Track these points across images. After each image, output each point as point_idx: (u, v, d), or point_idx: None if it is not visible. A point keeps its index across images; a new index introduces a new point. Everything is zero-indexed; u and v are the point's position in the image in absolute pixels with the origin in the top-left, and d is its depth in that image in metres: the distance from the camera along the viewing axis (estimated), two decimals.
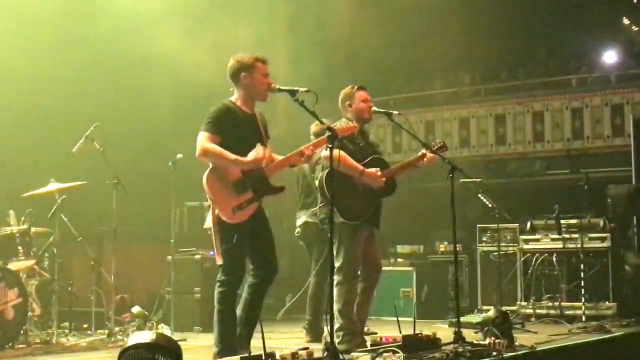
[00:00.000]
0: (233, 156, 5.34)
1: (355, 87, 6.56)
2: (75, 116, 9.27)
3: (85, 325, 8.24)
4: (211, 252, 9.09)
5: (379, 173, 6.28)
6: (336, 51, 13.66)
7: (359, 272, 6.39)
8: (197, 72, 10.28)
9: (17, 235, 7.46)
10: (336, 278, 6.11)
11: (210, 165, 5.39)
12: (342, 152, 5.77)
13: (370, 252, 6.47)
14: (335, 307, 6.04)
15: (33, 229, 7.73)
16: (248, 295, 5.46)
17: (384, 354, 5.07)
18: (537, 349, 6.20)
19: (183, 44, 10.30)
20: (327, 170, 6.05)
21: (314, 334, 7.77)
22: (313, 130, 7.95)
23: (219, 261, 5.49)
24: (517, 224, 10.56)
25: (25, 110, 9.59)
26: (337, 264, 6.13)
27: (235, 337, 5.32)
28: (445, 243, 11.08)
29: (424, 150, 6.55)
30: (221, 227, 5.37)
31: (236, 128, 5.43)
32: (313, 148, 5.58)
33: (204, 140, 5.35)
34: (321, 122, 5.18)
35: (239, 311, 5.46)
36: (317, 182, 6.29)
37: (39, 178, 7.94)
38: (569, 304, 9.72)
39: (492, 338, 5.81)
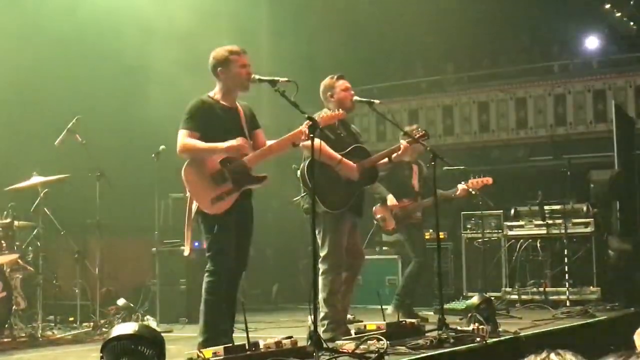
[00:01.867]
0: (206, 145, 5.35)
1: (335, 77, 6.55)
2: (57, 109, 9.24)
3: (70, 318, 8.23)
4: (196, 244, 9.10)
5: (357, 169, 6.30)
6: (319, 41, 13.65)
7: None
8: (179, 64, 10.28)
9: (0, 229, 7.42)
10: (321, 267, 6.14)
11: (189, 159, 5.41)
12: (321, 142, 5.76)
13: (353, 241, 6.49)
14: (320, 296, 6.07)
15: (16, 223, 7.70)
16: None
17: (368, 342, 5.09)
18: (521, 334, 6.24)
19: (167, 35, 10.29)
20: (308, 160, 6.06)
21: (404, 312, 7.86)
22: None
23: (186, 252, 5.59)
24: (501, 211, 10.62)
25: (6, 103, 9.53)
26: (322, 254, 6.17)
27: (221, 328, 5.34)
28: (430, 231, 11.11)
29: (402, 141, 6.57)
30: (204, 219, 5.39)
31: (213, 121, 5.44)
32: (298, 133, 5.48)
33: (182, 137, 5.40)
34: (302, 112, 5.18)
35: None
36: (299, 173, 6.29)
37: (22, 171, 7.90)
38: (554, 289, 9.79)
39: (476, 324, 5.85)
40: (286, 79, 5.25)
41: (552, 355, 2.02)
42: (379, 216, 8.36)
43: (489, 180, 8.77)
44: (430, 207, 8.61)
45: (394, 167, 8.22)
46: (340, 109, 6.41)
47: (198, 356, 4.32)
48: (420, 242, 8.58)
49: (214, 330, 5.27)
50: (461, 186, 8.60)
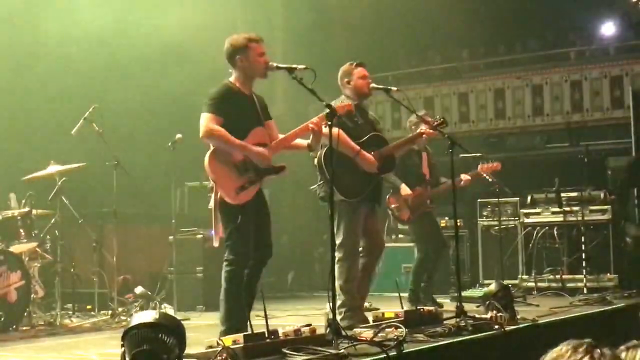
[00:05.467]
0: (238, 141, 5.33)
1: (354, 64, 6.54)
2: (74, 98, 9.27)
3: (88, 307, 8.27)
4: (212, 232, 9.11)
5: (375, 157, 6.28)
6: (334, 28, 13.61)
7: (360, 249, 6.41)
8: (195, 52, 10.28)
9: (19, 218, 7.46)
10: (337, 255, 6.13)
11: (212, 147, 5.38)
12: (340, 131, 5.76)
13: (372, 228, 6.49)
14: (337, 283, 6.06)
15: (34, 212, 7.73)
16: (245, 276, 5.48)
17: (386, 330, 5.08)
18: (539, 322, 6.23)
19: (181, 23, 10.28)
20: (325, 148, 6.06)
21: (414, 304, 7.91)
22: (411, 120, 8.19)
23: (216, 243, 5.54)
24: (518, 198, 10.58)
25: (23, 93, 9.57)
26: (337, 241, 6.15)
27: (241, 316, 5.34)
28: (446, 218, 11.08)
29: (422, 128, 6.55)
30: (225, 209, 5.37)
31: (237, 109, 5.43)
32: (318, 121, 5.50)
33: (208, 121, 5.32)
34: (320, 100, 5.17)
35: None
36: (316, 160, 6.29)
37: (39, 161, 7.93)
38: (570, 276, 9.76)
39: (494, 312, 5.83)
40: (304, 66, 5.24)
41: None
42: (393, 206, 8.35)
43: (498, 165, 8.77)
44: (443, 192, 8.63)
45: (404, 156, 8.22)
46: (356, 96, 6.42)
47: (218, 344, 4.32)
48: (433, 229, 8.55)
49: (235, 319, 5.27)
50: (464, 176, 8.57)
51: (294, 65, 5.26)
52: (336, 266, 6.09)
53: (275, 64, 5.43)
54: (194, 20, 10.45)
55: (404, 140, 6.79)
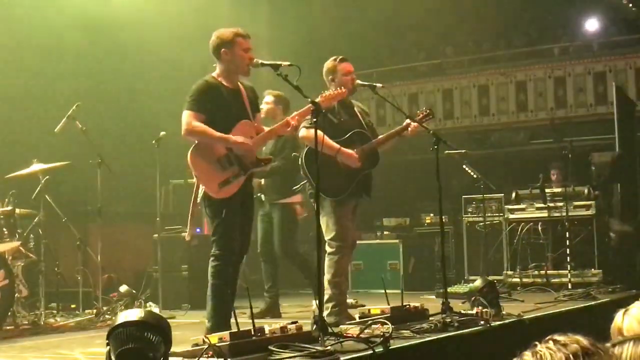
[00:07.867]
0: (218, 134, 5.33)
1: (337, 59, 6.50)
2: (57, 96, 9.21)
3: (73, 306, 8.21)
4: (198, 229, 9.10)
5: (356, 154, 6.27)
6: (319, 24, 13.59)
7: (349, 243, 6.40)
8: (179, 49, 10.24)
9: (2, 217, 7.39)
10: (328, 249, 6.18)
11: (194, 143, 5.38)
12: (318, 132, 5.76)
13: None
14: (326, 277, 6.08)
15: (17, 210, 7.66)
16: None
17: (373, 326, 5.08)
18: (525, 317, 6.25)
19: (164, 20, 10.24)
20: (307, 148, 6.08)
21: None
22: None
23: (188, 237, 5.71)
24: (502, 194, 10.59)
25: (5, 91, 9.49)
26: (329, 237, 6.18)
27: (229, 312, 5.32)
28: (431, 215, 11.10)
29: (408, 120, 6.52)
30: (210, 203, 5.38)
31: (219, 104, 5.42)
32: (299, 117, 5.57)
33: (188, 118, 5.34)
34: (305, 97, 5.15)
35: None
36: (300, 160, 6.28)
37: (22, 159, 7.88)
38: (555, 272, 9.78)
39: (480, 308, 5.85)
40: (288, 63, 5.22)
41: (556, 336, 1.96)
42: None
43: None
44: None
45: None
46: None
47: (204, 342, 4.30)
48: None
49: (222, 315, 5.26)
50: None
51: (279, 62, 5.25)
52: (325, 260, 6.11)
53: (260, 61, 5.43)
54: (178, 16, 10.42)
55: (387, 135, 6.74)
